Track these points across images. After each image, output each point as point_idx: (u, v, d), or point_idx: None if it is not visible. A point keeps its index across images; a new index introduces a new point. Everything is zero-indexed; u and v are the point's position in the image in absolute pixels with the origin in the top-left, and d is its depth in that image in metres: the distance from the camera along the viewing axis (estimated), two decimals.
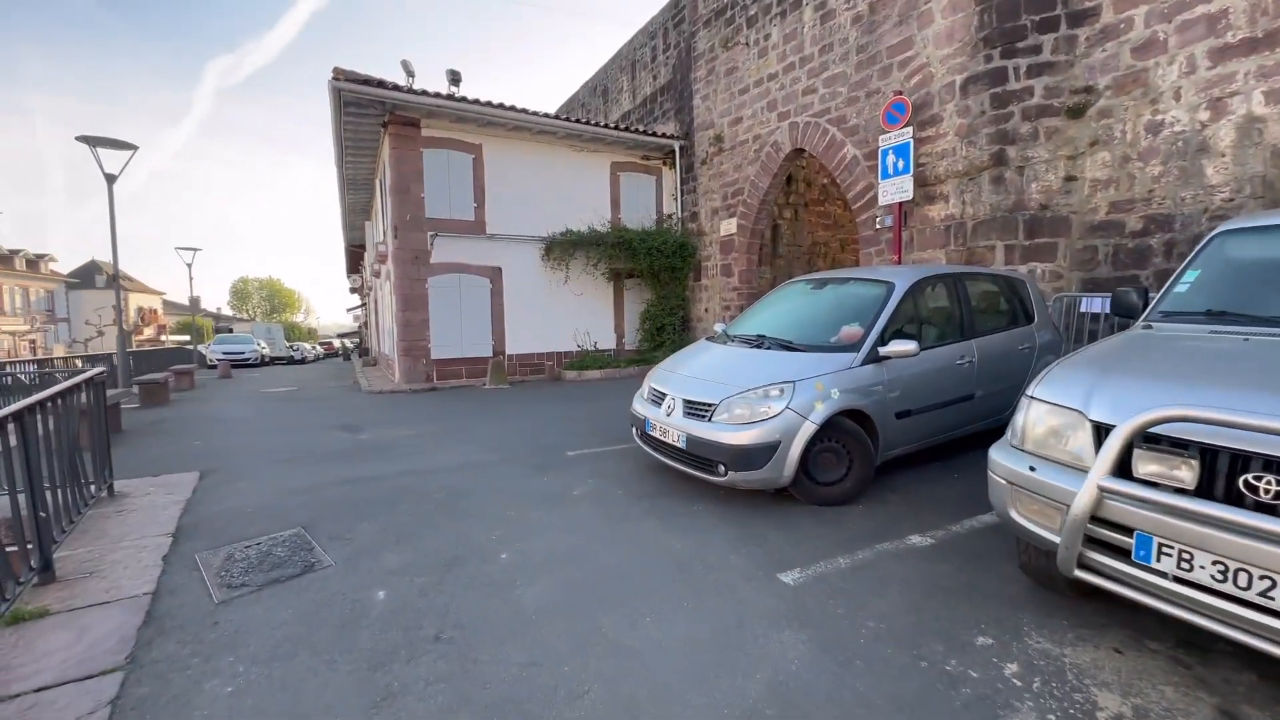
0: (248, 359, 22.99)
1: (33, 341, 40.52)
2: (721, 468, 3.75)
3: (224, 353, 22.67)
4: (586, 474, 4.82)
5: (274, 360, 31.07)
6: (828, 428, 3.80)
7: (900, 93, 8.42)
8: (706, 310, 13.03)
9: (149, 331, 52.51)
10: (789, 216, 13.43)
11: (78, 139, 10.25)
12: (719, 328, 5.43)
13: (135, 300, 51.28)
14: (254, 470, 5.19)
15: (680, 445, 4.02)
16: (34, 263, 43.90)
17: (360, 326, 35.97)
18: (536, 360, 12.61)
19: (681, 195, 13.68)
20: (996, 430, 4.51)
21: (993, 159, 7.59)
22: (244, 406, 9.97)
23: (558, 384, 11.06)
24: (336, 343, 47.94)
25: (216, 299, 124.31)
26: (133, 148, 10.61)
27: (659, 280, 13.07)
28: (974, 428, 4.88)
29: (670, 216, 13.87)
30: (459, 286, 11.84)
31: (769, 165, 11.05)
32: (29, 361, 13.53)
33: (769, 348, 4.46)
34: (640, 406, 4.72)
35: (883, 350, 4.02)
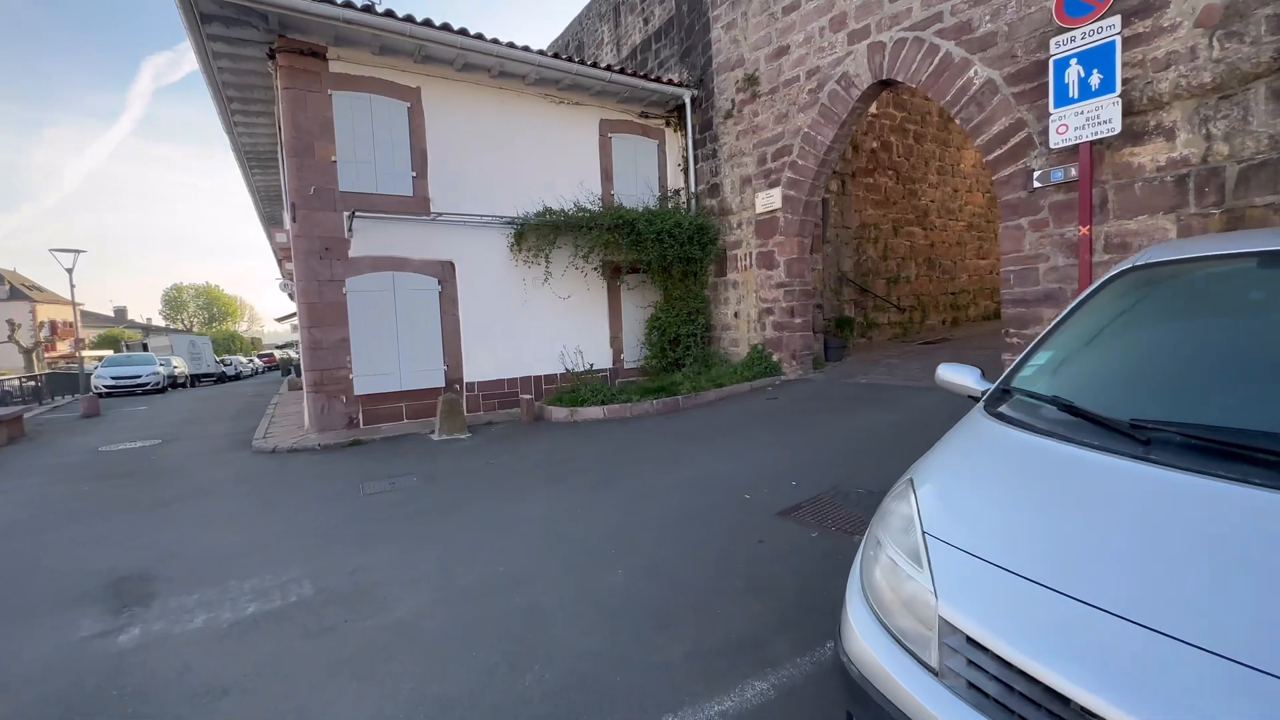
0: (145, 384, 18.69)
1: None
2: None
3: (113, 378, 18.33)
4: None
5: (199, 379, 26.62)
6: None
7: None
8: (736, 315, 9.74)
9: (64, 346, 46.59)
10: (835, 189, 10.26)
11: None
12: (1012, 393, 2.19)
13: (45, 312, 45.37)
14: None
15: None
16: None
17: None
18: (507, 391, 9.12)
19: (695, 163, 10.36)
20: None
21: (1278, 58, 4.51)
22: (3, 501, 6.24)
23: (541, 429, 7.63)
24: (278, 354, 43.31)
25: (148, 309, 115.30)
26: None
27: (670, 276, 9.74)
28: None
29: (678, 193, 10.53)
30: (393, 290, 8.27)
31: (835, 109, 7.82)
32: None
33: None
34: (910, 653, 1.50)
35: None
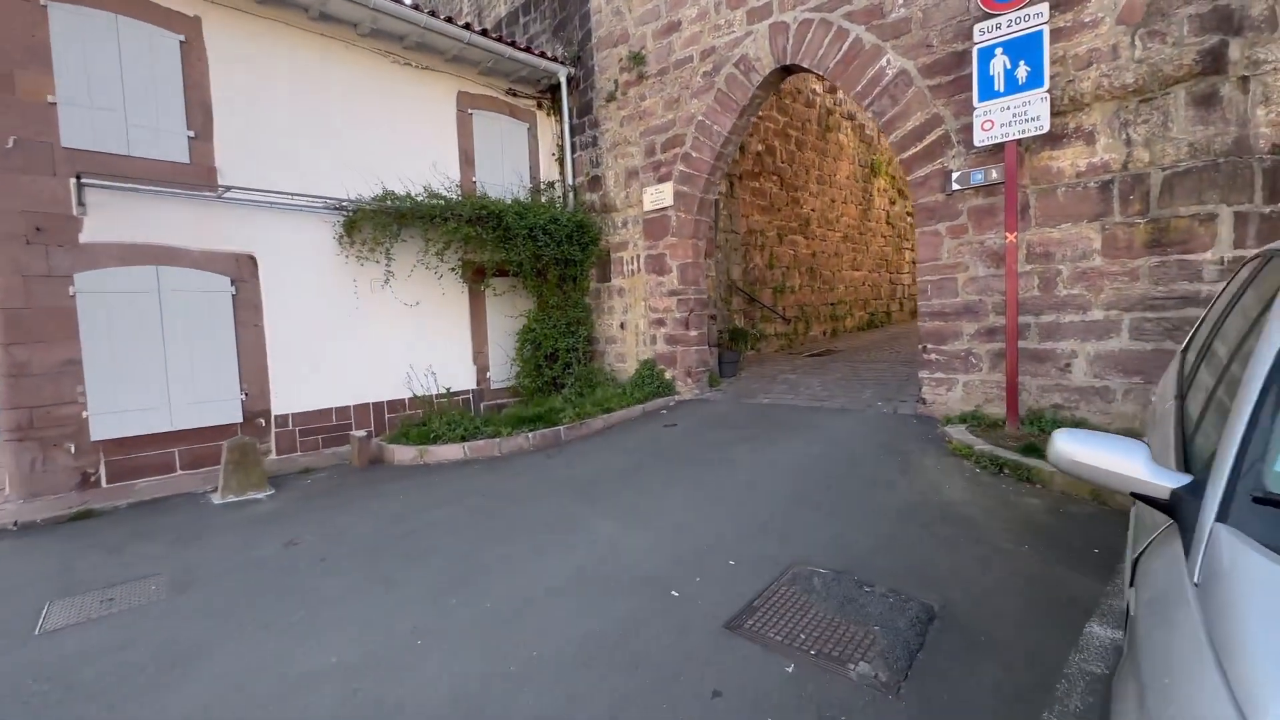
0: None
1: None
2: None
3: None
4: None
5: None
6: None
7: None
8: (623, 326, 8.55)
9: None
10: (724, 191, 9.53)
11: None
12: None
13: None
14: None
15: None
16: None
17: None
18: (336, 424, 7.06)
19: (573, 153, 9.04)
20: None
21: (1202, 61, 4.27)
22: None
23: (379, 477, 5.81)
24: None
25: None
26: None
27: (545, 280, 8.30)
28: None
29: (553, 185, 9.15)
30: (158, 292, 5.93)
31: (733, 95, 6.96)
32: None
33: None
34: None
35: None
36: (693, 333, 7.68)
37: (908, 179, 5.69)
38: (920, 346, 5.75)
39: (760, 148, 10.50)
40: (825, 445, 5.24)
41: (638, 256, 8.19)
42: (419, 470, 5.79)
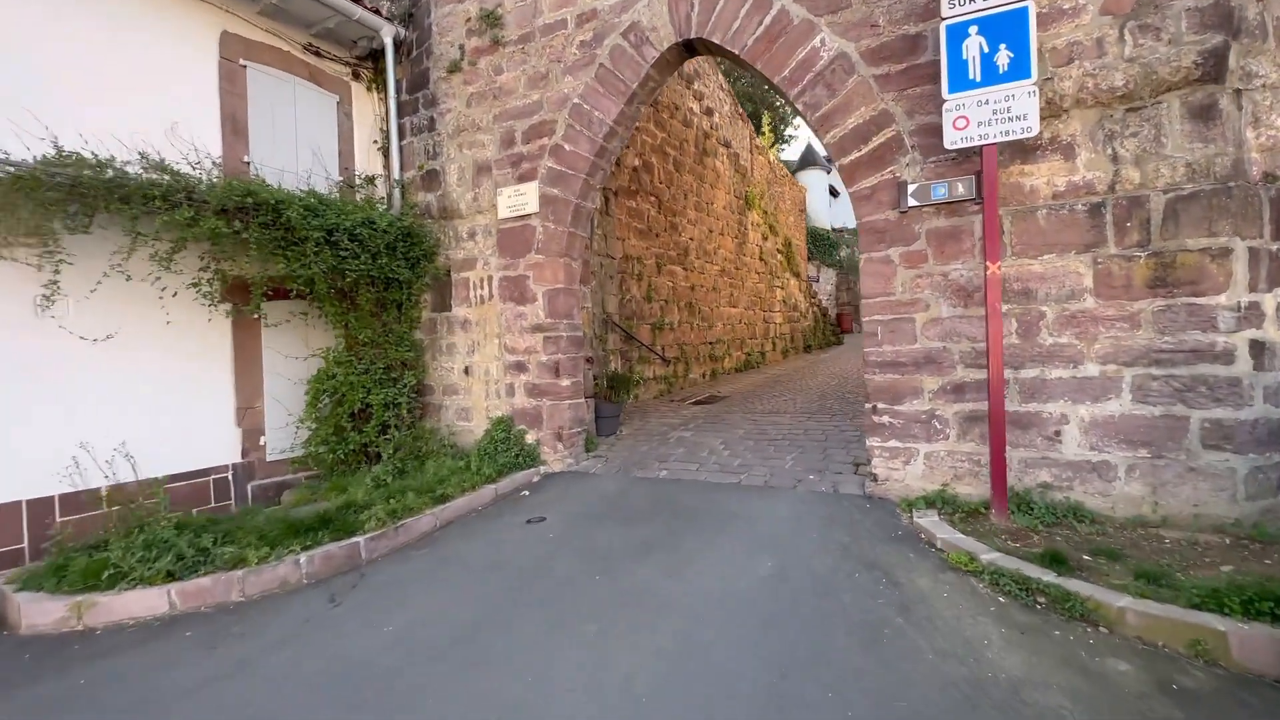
0: None
1: None
2: None
3: None
4: None
5: None
6: None
7: None
8: (468, 372, 6.36)
9: None
10: (599, 206, 7.89)
11: None
12: None
13: None
14: None
15: None
16: None
17: None
18: None
19: (401, 138, 6.79)
20: None
21: (1203, 64, 3.51)
22: None
23: None
24: None
25: None
26: None
27: (355, 306, 5.88)
28: None
29: (373, 180, 6.79)
30: None
31: (620, 74, 5.35)
32: None
33: None
34: None
35: None
36: (565, 381, 5.78)
37: (850, 190, 4.44)
38: (868, 405, 4.45)
39: (637, 163, 9.11)
40: (770, 554, 3.61)
41: (489, 278, 6.14)
42: (75, 642, 3.11)
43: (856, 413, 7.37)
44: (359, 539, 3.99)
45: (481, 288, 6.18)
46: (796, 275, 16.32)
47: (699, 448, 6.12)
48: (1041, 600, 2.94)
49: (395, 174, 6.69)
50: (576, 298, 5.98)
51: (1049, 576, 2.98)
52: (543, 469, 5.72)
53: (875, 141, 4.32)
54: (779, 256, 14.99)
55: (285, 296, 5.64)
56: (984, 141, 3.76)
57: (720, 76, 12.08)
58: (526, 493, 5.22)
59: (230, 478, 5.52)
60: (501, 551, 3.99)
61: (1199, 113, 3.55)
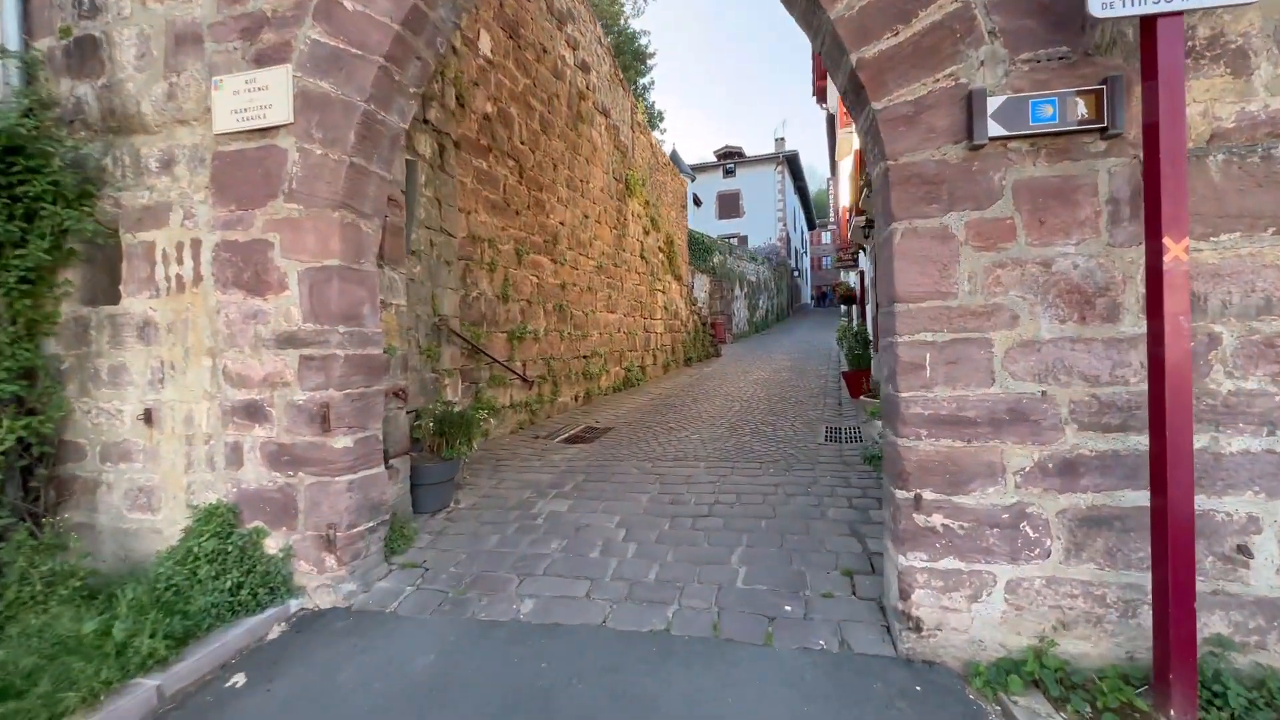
0: None
1: None
2: None
3: None
4: None
5: None
6: None
7: None
8: (149, 419, 3.39)
9: None
10: (427, 153, 5.27)
11: None
12: None
13: None
14: None
15: None
16: None
17: None
18: None
19: None
20: None
21: None
22: None
23: None
24: None
25: None
26: None
27: None
28: None
29: None
30: None
31: None
32: None
33: None
34: None
35: None
36: (341, 440, 3.15)
37: (877, 106, 2.46)
38: (900, 493, 2.49)
39: (491, 109, 6.59)
40: None
41: (196, 244, 3.29)
42: None
43: (793, 456, 5.57)
44: None
45: (180, 262, 3.31)
46: (678, 278, 14.68)
47: (584, 538, 3.81)
48: None
49: (13, 39, 3.53)
50: (370, 287, 3.37)
51: None
52: (294, 606, 3.03)
53: (926, 18, 2.39)
54: (661, 255, 13.21)
55: None
56: (1149, 9, 1.97)
57: (598, 27, 9.94)
58: (241, 680, 2.54)
59: None
60: None
61: None
